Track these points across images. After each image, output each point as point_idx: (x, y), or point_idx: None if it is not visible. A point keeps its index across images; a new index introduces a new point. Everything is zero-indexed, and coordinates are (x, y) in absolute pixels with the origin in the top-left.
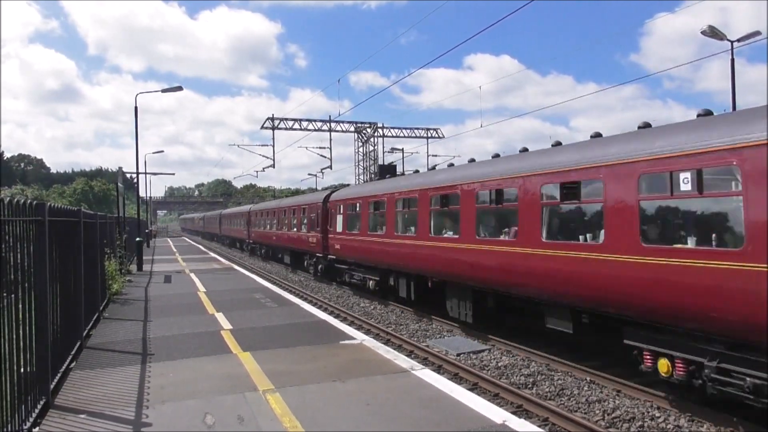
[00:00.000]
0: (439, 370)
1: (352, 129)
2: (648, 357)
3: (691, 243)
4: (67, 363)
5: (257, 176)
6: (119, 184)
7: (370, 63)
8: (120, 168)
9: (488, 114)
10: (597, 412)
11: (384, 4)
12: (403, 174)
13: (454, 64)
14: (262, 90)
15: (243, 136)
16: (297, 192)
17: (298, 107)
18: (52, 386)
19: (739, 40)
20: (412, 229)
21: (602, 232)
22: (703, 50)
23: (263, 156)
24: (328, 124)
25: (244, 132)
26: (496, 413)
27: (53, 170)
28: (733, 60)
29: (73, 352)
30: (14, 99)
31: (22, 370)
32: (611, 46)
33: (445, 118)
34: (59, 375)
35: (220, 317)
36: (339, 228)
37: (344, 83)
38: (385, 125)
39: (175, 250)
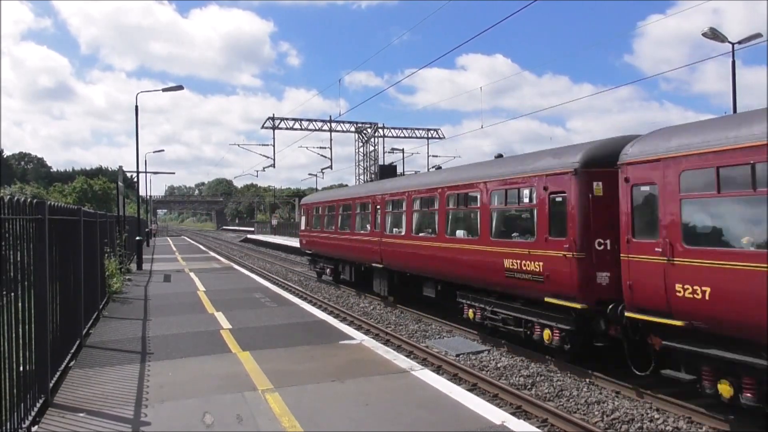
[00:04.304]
0: (438, 370)
1: (353, 129)
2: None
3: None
4: (66, 361)
5: (257, 176)
6: (119, 183)
7: (362, 62)
8: (120, 167)
9: (484, 115)
10: (596, 413)
11: (374, 4)
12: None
13: (447, 64)
14: (257, 89)
15: (240, 135)
16: (297, 192)
17: (295, 107)
18: (51, 384)
19: (740, 42)
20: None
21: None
22: (697, 52)
23: (263, 155)
24: (328, 124)
25: (241, 131)
26: (495, 414)
27: (53, 169)
28: (734, 62)
29: (72, 351)
30: (8, 97)
31: (21, 368)
32: (605, 48)
33: (442, 118)
34: (58, 373)
35: (220, 316)
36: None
37: (338, 83)
38: (385, 125)
39: (174, 249)
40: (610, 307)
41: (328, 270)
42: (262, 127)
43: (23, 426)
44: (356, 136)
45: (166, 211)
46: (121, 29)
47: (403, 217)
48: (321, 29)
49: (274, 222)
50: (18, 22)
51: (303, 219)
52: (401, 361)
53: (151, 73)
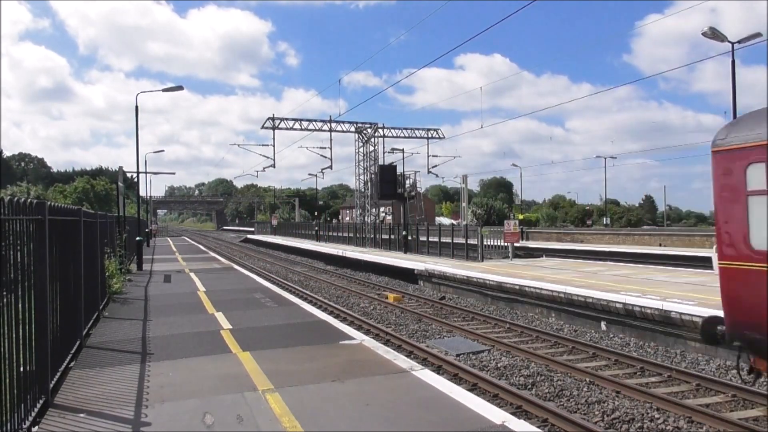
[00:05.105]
0: (438, 370)
1: (353, 129)
2: None
3: None
4: (66, 362)
5: (257, 176)
6: (120, 183)
7: (361, 63)
8: (120, 167)
9: (483, 114)
10: (596, 413)
11: (372, 4)
12: None
13: (445, 64)
14: (256, 89)
15: (239, 135)
16: (297, 192)
17: (295, 108)
18: (51, 385)
19: (740, 42)
20: None
21: None
22: (695, 51)
23: (263, 156)
24: (328, 124)
25: (240, 131)
26: (495, 414)
27: (54, 169)
28: (733, 62)
29: (72, 351)
30: (7, 98)
31: (21, 368)
32: (604, 48)
33: (440, 118)
34: (59, 374)
35: (220, 317)
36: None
37: (337, 83)
38: (385, 125)
39: (174, 249)
40: None
41: None
42: (262, 127)
43: (23, 426)
44: (356, 136)
45: (166, 211)
46: (119, 29)
47: None
48: (319, 29)
49: (275, 222)
50: (16, 22)
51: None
52: (401, 361)
53: (149, 74)
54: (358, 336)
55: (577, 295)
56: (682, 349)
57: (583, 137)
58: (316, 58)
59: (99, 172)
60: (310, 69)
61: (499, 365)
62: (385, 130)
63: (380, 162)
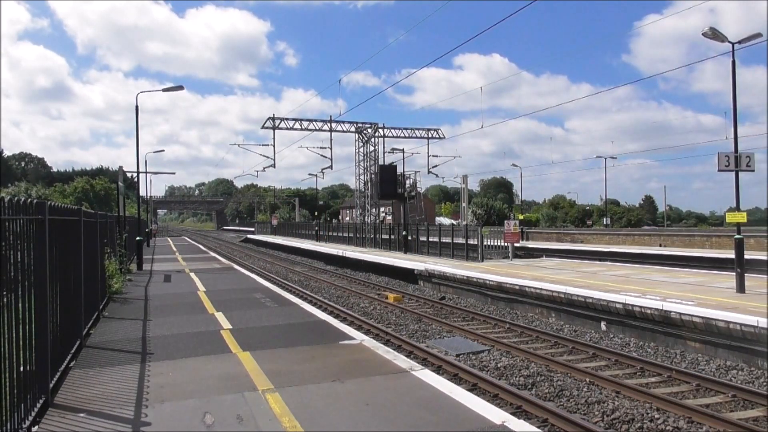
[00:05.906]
0: (438, 370)
1: (353, 129)
2: None
3: None
4: (66, 362)
5: (257, 176)
6: (120, 183)
7: (360, 63)
8: (120, 167)
9: (482, 115)
10: (596, 413)
11: (371, 4)
12: None
13: (444, 64)
14: (255, 89)
15: (238, 135)
16: (297, 192)
17: (294, 108)
18: (51, 385)
19: (740, 42)
20: None
21: None
22: (694, 51)
23: (263, 156)
24: (329, 124)
25: (239, 131)
26: (495, 414)
27: (54, 169)
28: (734, 62)
29: (72, 351)
30: (6, 98)
31: (21, 368)
32: (603, 48)
33: (439, 118)
34: (59, 374)
35: (220, 317)
36: None
37: (337, 83)
38: (385, 125)
39: (175, 249)
40: None
41: None
42: (263, 127)
43: (24, 426)
44: (356, 136)
45: (166, 211)
46: (118, 29)
47: None
48: (318, 29)
49: (275, 222)
50: (15, 22)
51: None
52: (401, 361)
53: (148, 74)
54: (358, 336)
55: (577, 296)
56: (682, 349)
57: (582, 137)
58: (315, 58)
59: (99, 172)
60: (310, 69)
61: (499, 365)
62: (385, 130)
63: (380, 162)
